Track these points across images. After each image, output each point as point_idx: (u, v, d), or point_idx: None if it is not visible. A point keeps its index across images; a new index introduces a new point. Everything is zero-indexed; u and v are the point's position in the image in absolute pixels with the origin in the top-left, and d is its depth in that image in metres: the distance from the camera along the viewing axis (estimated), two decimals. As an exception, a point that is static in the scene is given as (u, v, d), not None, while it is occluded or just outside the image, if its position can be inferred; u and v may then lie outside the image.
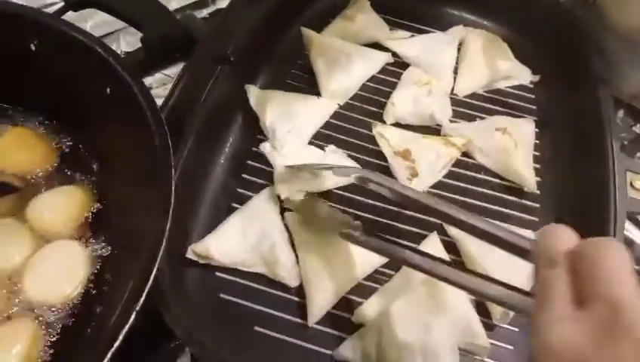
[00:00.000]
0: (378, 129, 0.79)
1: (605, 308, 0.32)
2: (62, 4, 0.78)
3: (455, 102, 0.86)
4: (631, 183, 0.73)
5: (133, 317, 0.45)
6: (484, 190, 0.77)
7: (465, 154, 0.80)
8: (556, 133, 0.85)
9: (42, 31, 0.62)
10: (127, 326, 0.44)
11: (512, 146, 0.78)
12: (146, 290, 0.46)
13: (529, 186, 0.77)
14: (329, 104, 0.81)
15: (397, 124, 0.82)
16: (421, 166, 0.74)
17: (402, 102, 0.82)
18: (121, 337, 0.44)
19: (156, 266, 0.47)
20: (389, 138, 0.78)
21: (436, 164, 0.75)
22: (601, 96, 0.81)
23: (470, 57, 0.89)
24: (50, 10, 0.86)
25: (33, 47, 0.63)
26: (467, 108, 0.86)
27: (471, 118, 0.85)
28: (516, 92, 0.90)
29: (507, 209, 0.76)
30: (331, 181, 0.72)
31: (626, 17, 0.84)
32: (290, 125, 0.74)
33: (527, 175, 0.77)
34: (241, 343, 0.62)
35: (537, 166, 0.80)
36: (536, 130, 0.84)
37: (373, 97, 0.85)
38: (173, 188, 0.52)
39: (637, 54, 0.86)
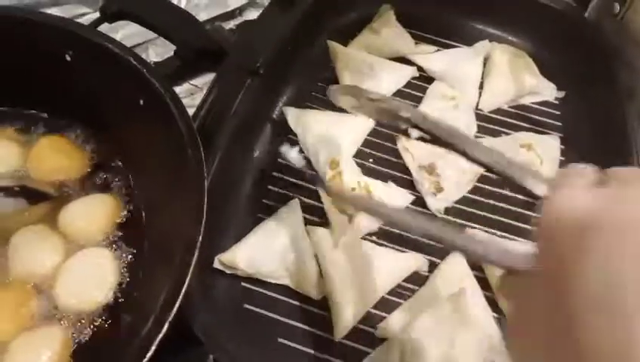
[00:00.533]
0: (403, 143, 0.80)
1: (617, 183, 0.32)
2: (96, 14, 0.80)
3: (480, 117, 0.86)
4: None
5: (166, 327, 0.46)
6: (509, 206, 0.77)
7: (489, 169, 0.79)
8: (582, 149, 0.84)
9: (77, 42, 0.64)
10: (159, 337, 0.45)
11: (538, 163, 0.78)
12: (179, 301, 0.47)
13: None
14: (366, 123, 0.81)
15: (422, 139, 0.82)
16: (446, 181, 0.75)
17: None
18: (153, 347, 0.45)
19: (188, 278, 0.48)
20: (413, 152, 0.78)
21: (461, 180, 0.76)
22: (627, 113, 0.81)
23: (495, 72, 0.89)
24: (84, 19, 0.89)
25: (68, 58, 0.65)
26: (492, 123, 0.86)
27: (495, 134, 0.85)
28: (541, 108, 0.90)
29: (531, 226, 0.76)
30: None
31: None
32: (332, 148, 0.76)
33: None
34: (265, 354, 0.63)
35: (562, 183, 0.80)
36: (562, 146, 0.83)
37: (399, 111, 0.85)
38: (205, 199, 0.53)
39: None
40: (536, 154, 0.78)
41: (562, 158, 0.82)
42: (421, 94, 0.87)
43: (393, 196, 0.74)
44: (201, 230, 0.51)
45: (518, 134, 0.83)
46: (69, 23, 0.66)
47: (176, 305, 0.47)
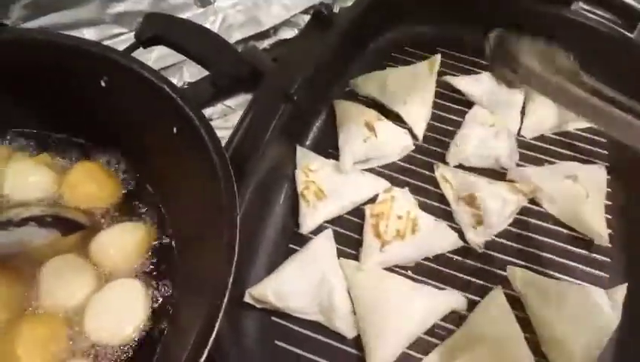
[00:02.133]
0: (441, 171, 0.77)
1: None
2: (130, 35, 0.79)
3: (522, 144, 0.83)
4: None
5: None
6: (552, 241, 0.74)
7: (532, 201, 0.77)
8: (629, 180, 0.80)
9: (113, 68, 0.63)
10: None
11: (583, 195, 0.74)
12: (209, 346, 0.45)
13: (600, 239, 0.73)
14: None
15: (460, 166, 0.79)
16: (487, 213, 0.71)
17: (466, 144, 0.79)
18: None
19: (219, 321, 0.46)
20: (452, 181, 0.75)
21: (503, 212, 0.72)
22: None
23: (539, 97, 0.86)
24: (120, 39, 0.88)
25: (103, 84, 0.64)
26: (535, 151, 0.83)
27: (538, 162, 0.81)
28: (586, 135, 0.85)
29: (575, 262, 0.72)
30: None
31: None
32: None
33: (598, 227, 0.73)
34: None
35: (608, 216, 0.76)
36: (608, 176, 0.80)
37: (438, 137, 0.83)
38: (237, 238, 0.51)
39: None
40: (582, 187, 0.75)
41: (608, 190, 0.78)
42: (460, 119, 0.84)
43: (439, 237, 0.71)
44: (232, 271, 0.49)
45: (563, 164, 0.80)
46: (105, 48, 0.66)
47: (206, 349, 0.45)
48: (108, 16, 0.88)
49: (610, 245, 0.73)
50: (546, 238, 0.74)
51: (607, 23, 0.89)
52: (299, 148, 0.78)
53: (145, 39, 0.69)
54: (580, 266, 0.72)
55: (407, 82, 0.85)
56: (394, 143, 0.80)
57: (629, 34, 0.89)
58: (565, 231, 0.75)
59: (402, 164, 0.80)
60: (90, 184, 0.65)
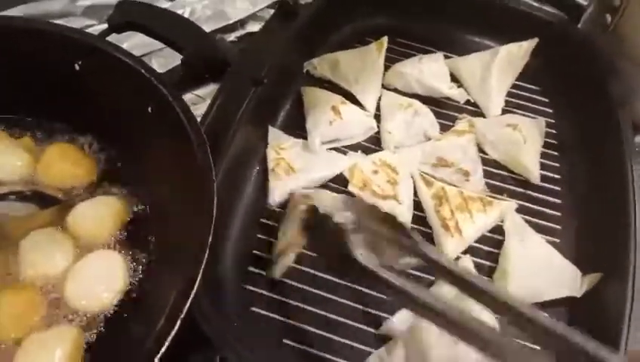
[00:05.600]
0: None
1: None
2: (101, 27, 0.81)
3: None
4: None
5: (178, 324, 0.47)
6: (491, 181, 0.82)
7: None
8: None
9: (86, 51, 0.65)
10: (173, 332, 0.46)
11: (522, 141, 0.82)
12: (191, 298, 0.48)
13: (533, 179, 0.81)
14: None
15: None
16: (465, 163, 0.81)
17: (397, 129, 0.84)
18: (167, 343, 0.46)
19: (200, 276, 0.49)
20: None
21: (470, 156, 0.82)
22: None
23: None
24: (89, 31, 0.90)
25: (77, 67, 0.66)
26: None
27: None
28: (530, 95, 0.94)
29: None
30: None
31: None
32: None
33: (532, 168, 0.81)
34: (271, 354, 0.64)
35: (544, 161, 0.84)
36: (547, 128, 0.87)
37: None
38: (215, 202, 0.54)
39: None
40: (521, 134, 0.82)
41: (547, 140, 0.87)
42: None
43: None
44: (210, 230, 0.52)
45: (505, 116, 0.88)
46: (77, 32, 0.68)
47: (189, 301, 0.48)
48: (77, 9, 0.90)
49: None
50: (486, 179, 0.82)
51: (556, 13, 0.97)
52: (271, 129, 0.81)
53: (117, 24, 0.72)
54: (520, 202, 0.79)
55: (357, 63, 0.90)
56: (358, 125, 0.84)
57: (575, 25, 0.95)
58: (504, 172, 0.83)
59: (367, 144, 0.84)
60: (65, 163, 0.67)
